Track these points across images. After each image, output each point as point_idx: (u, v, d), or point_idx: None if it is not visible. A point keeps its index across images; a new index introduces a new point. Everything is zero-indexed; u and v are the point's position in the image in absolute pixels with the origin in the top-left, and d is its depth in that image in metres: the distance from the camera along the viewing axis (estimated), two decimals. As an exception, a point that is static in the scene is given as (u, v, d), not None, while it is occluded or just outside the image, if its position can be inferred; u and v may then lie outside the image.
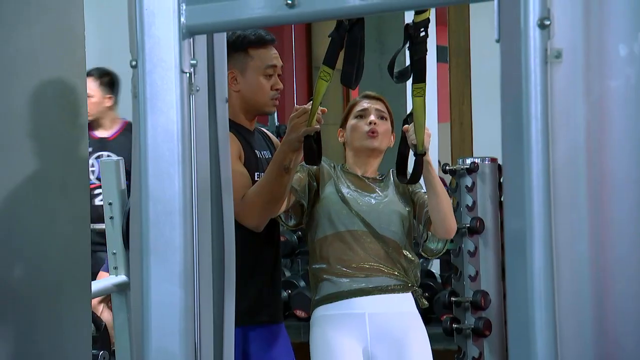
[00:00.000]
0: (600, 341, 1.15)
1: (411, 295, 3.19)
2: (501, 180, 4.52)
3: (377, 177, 3.33)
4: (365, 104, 3.30)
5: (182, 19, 1.36)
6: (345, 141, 3.34)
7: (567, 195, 1.11)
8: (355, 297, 3.11)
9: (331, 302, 3.13)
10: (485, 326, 4.19)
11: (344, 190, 3.20)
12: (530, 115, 1.10)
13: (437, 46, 6.22)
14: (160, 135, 1.38)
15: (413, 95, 2.64)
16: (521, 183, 1.13)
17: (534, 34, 1.10)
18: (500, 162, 4.41)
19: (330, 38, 2.21)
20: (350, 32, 2.15)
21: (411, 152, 2.88)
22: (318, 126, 2.73)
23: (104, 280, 3.28)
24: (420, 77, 2.57)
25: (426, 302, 3.29)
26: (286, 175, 2.80)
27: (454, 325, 4.23)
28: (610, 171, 1.10)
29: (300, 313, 4.77)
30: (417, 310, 3.20)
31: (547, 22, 1.09)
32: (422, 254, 3.31)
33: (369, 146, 3.26)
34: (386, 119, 3.30)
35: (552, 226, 1.13)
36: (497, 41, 1.14)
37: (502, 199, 4.50)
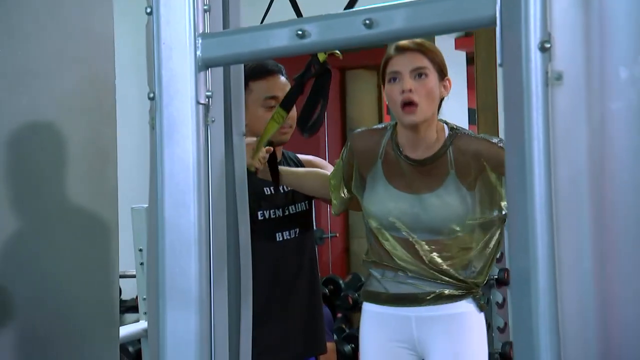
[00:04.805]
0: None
1: (467, 302, 2.81)
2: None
3: (431, 156, 2.79)
4: (397, 61, 2.77)
5: (198, 52, 1.41)
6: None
7: (570, 217, 1.11)
8: (397, 305, 2.82)
9: (374, 303, 2.88)
10: (516, 378, 4.15)
11: (390, 193, 2.81)
12: (532, 137, 1.11)
13: (468, 109, 6.27)
14: (176, 166, 1.41)
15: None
16: (524, 219, 1.13)
17: (535, 57, 1.12)
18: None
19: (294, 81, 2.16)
20: (317, 79, 2.12)
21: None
22: (259, 164, 2.71)
23: (133, 326, 3.31)
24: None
25: (484, 305, 2.87)
26: None
27: (485, 378, 4.19)
28: (613, 193, 1.10)
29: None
30: (473, 310, 2.82)
31: (548, 45, 1.11)
32: None
33: (408, 123, 2.76)
34: (427, 75, 2.75)
35: (555, 259, 1.12)
36: (500, 65, 1.16)
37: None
